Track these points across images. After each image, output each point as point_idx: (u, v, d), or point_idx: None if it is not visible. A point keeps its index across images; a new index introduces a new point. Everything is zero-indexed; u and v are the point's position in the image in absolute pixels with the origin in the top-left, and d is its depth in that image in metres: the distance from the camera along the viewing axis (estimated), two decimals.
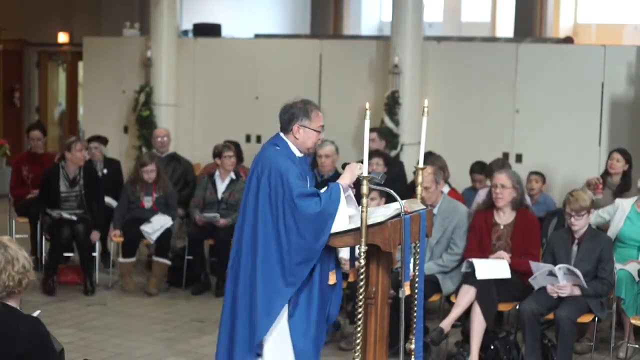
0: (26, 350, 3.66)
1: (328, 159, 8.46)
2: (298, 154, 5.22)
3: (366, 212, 4.39)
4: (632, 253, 7.01)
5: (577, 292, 6.34)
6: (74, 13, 15.70)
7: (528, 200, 7.73)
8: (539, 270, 6.39)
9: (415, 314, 4.82)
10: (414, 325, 4.81)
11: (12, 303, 3.77)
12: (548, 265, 6.38)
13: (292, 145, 5.25)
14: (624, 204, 7.22)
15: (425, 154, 6.71)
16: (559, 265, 6.33)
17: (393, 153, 10.04)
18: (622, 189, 7.95)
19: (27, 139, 9.90)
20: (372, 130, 9.10)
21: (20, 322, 3.71)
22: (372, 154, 8.49)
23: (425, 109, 4.90)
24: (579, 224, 6.47)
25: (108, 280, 8.76)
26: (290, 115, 5.28)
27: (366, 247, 4.42)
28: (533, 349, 6.35)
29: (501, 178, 6.81)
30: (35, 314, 3.89)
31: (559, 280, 6.34)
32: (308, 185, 5.07)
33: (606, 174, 8.27)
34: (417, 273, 4.78)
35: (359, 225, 4.44)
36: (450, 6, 20.12)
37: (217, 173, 8.97)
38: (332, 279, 4.76)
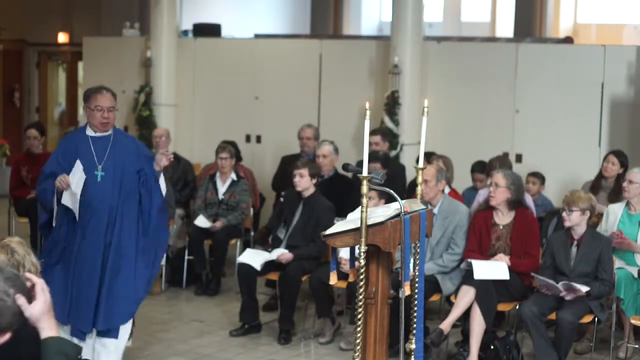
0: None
1: (326, 159, 8.47)
2: (91, 133, 5.87)
3: (366, 212, 4.39)
4: (630, 255, 6.99)
5: (582, 294, 6.34)
6: (74, 13, 15.69)
7: (529, 201, 7.73)
8: (542, 284, 6.42)
9: (415, 314, 4.82)
10: (414, 326, 4.81)
11: None
12: (549, 281, 6.38)
13: (87, 126, 5.93)
14: (615, 209, 7.20)
15: (426, 154, 6.74)
16: (561, 283, 6.33)
17: (393, 153, 10.04)
18: (617, 192, 7.93)
19: (25, 138, 9.93)
20: (375, 132, 9.09)
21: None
22: (369, 158, 8.47)
23: (425, 109, 4.90)
24: (570, 220, 6.47)
25: None
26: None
27: (366, 247, 4.41)
28: (542, 346, 6.34)
29: (496, 177, 6.84)
30: None
31: (560, 290, 6.35)
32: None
33: (601, 176, 8.27)
34: (417, 273, 4.78)
35: (358, 225, 4.43)
36: (450, 6, 20.10)
37: (217, 173, 9.00)
38: (332, 279, 4.77)
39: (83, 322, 5.75)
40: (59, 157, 5.84)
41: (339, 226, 4.63)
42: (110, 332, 5.82)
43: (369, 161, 8.17)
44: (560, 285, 6.31)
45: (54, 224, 5.84)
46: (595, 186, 8.17)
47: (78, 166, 5.79)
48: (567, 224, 6.52)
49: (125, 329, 5.91)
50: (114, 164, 5.80)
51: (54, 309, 5.04)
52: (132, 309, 5.91)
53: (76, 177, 5.74)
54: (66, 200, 5.74)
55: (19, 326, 3.06)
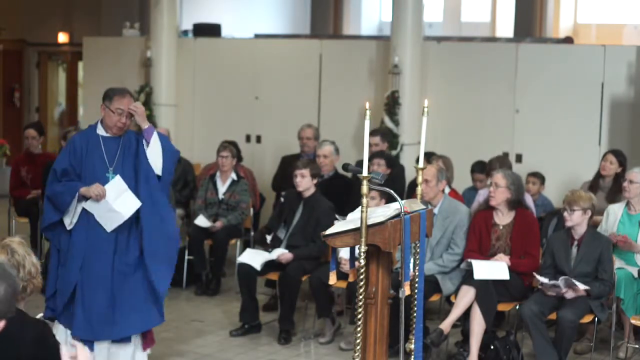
0: (34, 353, 3.64)
1: (326, 159, 8.48)
2: (103, 132, 5.73)
3: (366, 212, 4.39)
4: (630, 256, 6.99)
5: (581, 292, 6.35)
6: (74, 13, 15.69)
7: (529, 201, 7.72)
8: (542, 283, 6.43)
9: (415, 314, 4.82)
10: (414, 326, 4.81)
11: (18, 306, 3.76)
12: (551, 282, 6.38)
13: (100, 124, 5.79)
14: (615, 209, 7.20)
15: (426, 154, 6.74)
16: (561, 278, 6.33)
17: (393, 153, 10.03)
18: (615, 192, 7.92)
19: (24, 138, 9.93)
20: (375, 132, 9.09)
21: (28, 326, 3.70)
22: (374, 154, 8.50)
23: (425, 109, 4.90)
24: (571, 220, 6.47)
25: None
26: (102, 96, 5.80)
27: (366, 247, 4.41)
28: (542, 346, 6.34)
29: (496, 177, 6.84)
30: (38, 317, 3.88)
31: (562, 288, 6.35)
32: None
33: (598, 176, 8.26)
34: (417, 273, 4.78)
35: (358, 225, 4.43)
36: (450, 6, 20.10)
37: (218, 173, 9.00)
38: (332, 279, 4.77)
39: (93, 331, 5.63)
40: (70, 155, 5.71)
41: (339, 226, 4.63)
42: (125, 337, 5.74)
43: (375, 157, 8.28)
44: (561, 282, 6.30)
45: (69, 226, 5.67)
46: (593, 186, 8.16)
47: (119, 183, 5.65)
48: (568, 223, 6.52)
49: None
50: (124, 166, 5.72)
51: (60, 315, 5.07)
52: (146, 316, 5.74)
53: (115, 193, 5.60)
54: (91, 206, 5.62)
55: (12, 316, 3.08)
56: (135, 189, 5.69)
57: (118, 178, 5.67)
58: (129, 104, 5.67)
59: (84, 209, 5.64)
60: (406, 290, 4.56)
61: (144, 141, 5.73)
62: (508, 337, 6.68)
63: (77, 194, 5.58)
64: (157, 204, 5.76)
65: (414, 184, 7.39)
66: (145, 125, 5.73)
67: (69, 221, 5.67)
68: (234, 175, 8.97)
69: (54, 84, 16.55)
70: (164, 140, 5.84)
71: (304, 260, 7.34)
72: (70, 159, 5.70)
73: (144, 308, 5.71)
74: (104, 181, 5.66)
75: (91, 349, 5.63)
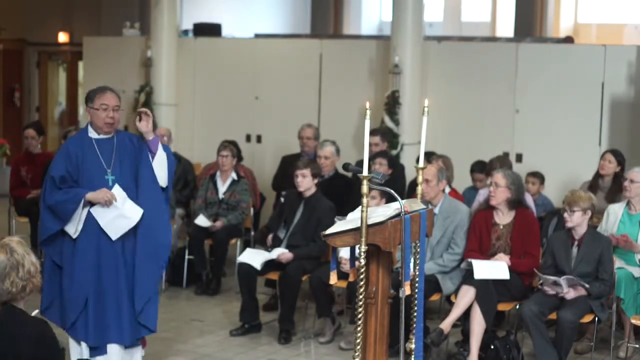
0: (34, 353, 3.65)
1: (327, 160, 8.48)
2: (94, 135, 5.71)
3: (366, 212, 4.39)
4: (630, 256, 6.99)
5: (582, 292, 6.35)
6: (74, 13, 15.70)
7: (530, 200, 7.72)
8: (544, 281, 6.42)
9: (415, 314, 4.82)
10: (414, 325, 4.82)
11: (18, 305, 3.76)
12: (552, 278, 6.38)
13: (90, 127, 5.76)
14: (615, 209, 7.20)
15: (426, 154, 6.74)
16: (563, 277, 6.33)
17: (393, 153, 10.04)
18: (614, 191, 7.92)
19: (23, 138, 9.94)
20: (375, 132, 9.09)
21: (29, 325, 3.70)
22: (377, 154, 8.50)
23: (426, 109, 4.90)
24: (572, 220, 6.47)
25: None
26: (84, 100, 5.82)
27: (366, 247, 4.41)
28: (542, 346, 6.34)
29: (496, 177, 6.84)
30: (34, 314, 3.89)
31: (563, 288, 6.35)
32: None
33: (598, 175, 8.26)
34: (417, 273, 4.78)
35: (359, 224, 4.43)
36: (450, 6, 20.10)
37: (218, 173, 9.01)
38: (333, 278, 4.77)
39: (106, 335, 5.61)
40: (65, 161, 5.60)
41: (339, 226, 4.63)
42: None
43: (377, 157, 8.28)
44: (563, 282, 6.30)
45: (74, 235, 5.56)
46: (593, 186, 8.17)
47: (118, 192, 5.58)
48: (569, 224, 6.51)
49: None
50: (122, 167, 5.65)
51: (72, 324, 5.07)
52: (152, 319, 5.73)
53: (121, 199, 5.56)
54: (98, 211, 5.55)
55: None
56: (135, 193, 5.65)
57: (117, 188, 5.60)
58: (111, 98, 5.62)
59: (87, 216, 5.58)
60: (406, 289, 4.56)
61: (148, 152, 5.68)
62: (508, 337, 6.68)
63: (82, 201, 5.50)
64: (155, 213, 5.70)
65: (414, 183, 7.39)
66: (150, 136, 5.67)
67: (74, 229, 5.57)
68: (234, 175, 8.98)
69: (54, 83, 16.56)
70: (166, 150, 5.80)
71: (304, 260, 7.34)
72: (66, 165, 5.61)
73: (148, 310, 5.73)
74: (104, 184, 5.60)
75: (104, 352, 5.62)
